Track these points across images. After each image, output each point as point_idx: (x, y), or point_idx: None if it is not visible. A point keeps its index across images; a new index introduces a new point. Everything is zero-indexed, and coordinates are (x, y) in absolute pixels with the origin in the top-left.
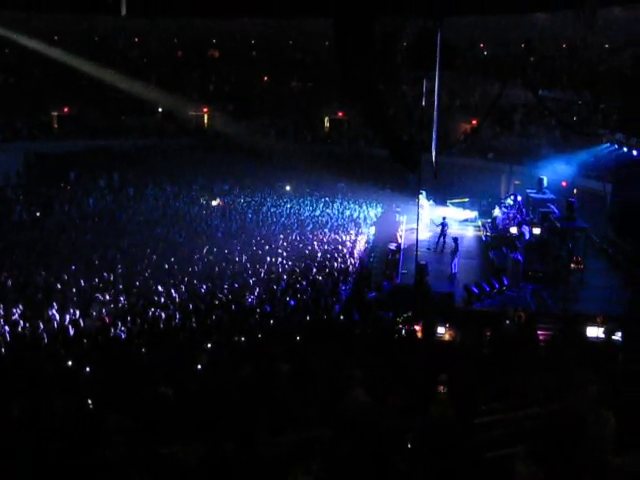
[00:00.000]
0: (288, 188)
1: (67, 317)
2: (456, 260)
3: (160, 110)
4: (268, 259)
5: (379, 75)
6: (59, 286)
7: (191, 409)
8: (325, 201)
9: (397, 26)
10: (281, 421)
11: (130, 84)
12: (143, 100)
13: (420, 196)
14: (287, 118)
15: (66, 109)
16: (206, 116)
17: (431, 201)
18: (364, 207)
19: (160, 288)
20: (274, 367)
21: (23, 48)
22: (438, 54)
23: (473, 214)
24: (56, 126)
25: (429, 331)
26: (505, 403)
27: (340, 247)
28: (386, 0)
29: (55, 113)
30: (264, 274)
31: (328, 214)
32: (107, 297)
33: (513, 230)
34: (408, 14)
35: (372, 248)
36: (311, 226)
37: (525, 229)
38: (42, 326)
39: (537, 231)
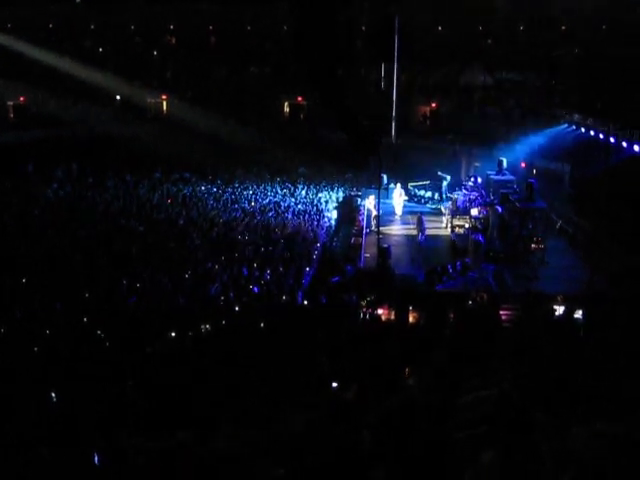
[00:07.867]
0: (250, 174)
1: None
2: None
3: (118, 98)
4: (230, 246)
5: (339, 60)
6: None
7: (153, 400)
8: (286, 186)
9: (357, 11)
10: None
11: (87, 72)
12: (100, 88)
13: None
14: (246, 104)
15: (22, 99)
16: (165, 103)
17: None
18: (325, 192)
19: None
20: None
21: None
22: (396, 40)
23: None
24: (12, 116)
25: (401, 315)
26: (469, 384)
27: (302, 232)
28: None
29: (10, 103)
30: (226, 261)
31: (290, 199)
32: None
33: (474, 212)
34: None
35: (334, 232)
36: (273, 212)
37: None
38: None
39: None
